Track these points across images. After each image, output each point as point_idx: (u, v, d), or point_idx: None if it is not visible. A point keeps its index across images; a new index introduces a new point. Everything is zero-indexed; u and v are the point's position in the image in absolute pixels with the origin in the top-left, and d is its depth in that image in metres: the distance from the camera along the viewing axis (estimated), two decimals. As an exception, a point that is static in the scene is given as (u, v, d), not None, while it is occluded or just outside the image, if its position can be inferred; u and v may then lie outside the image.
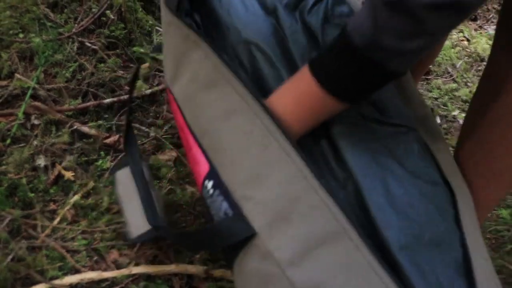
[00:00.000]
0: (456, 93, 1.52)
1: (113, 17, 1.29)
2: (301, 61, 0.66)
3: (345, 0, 0.72)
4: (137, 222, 0.85)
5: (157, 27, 1.39)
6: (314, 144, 0.62)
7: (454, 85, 1.56)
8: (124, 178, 0.92)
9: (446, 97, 1.51)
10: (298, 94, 0.57)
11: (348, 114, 0.62)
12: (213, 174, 0.61)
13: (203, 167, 0.63)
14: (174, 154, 1.10)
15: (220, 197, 0.59)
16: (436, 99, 1.50)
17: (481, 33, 1.87)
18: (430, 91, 1.53)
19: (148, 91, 1.24)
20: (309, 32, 0.69)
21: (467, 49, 1.76)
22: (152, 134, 1.14)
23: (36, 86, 1.14)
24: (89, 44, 1.26)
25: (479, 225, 0.65)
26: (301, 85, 0.57)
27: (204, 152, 0.63)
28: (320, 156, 0.61)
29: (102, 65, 1.24)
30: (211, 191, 0.61)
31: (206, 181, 0.63)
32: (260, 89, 0.64)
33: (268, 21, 0.70)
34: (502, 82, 0.65)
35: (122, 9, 1.31)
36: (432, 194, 0.61)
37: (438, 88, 1.54)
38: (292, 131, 0.57)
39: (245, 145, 0.57)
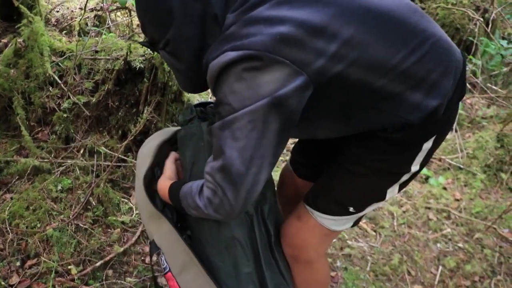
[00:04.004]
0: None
1: (94, 204, 2.07)
2: None
3: None
4: None
5: (122, 199, 2.17)
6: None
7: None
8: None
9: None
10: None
11: None
12: None
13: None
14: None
15: None
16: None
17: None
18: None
19: (121, 249, 2.03)
20: None
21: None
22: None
23: (55, 265, 1.92)
24: (81, 225, 2.03)
25: None
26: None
27: None
28: None
29: (93, 239, 2.02)
30: None
31: None
32: None
33: None
34: None
35: (100, 196, 2.08)
36: None
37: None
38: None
39: None
